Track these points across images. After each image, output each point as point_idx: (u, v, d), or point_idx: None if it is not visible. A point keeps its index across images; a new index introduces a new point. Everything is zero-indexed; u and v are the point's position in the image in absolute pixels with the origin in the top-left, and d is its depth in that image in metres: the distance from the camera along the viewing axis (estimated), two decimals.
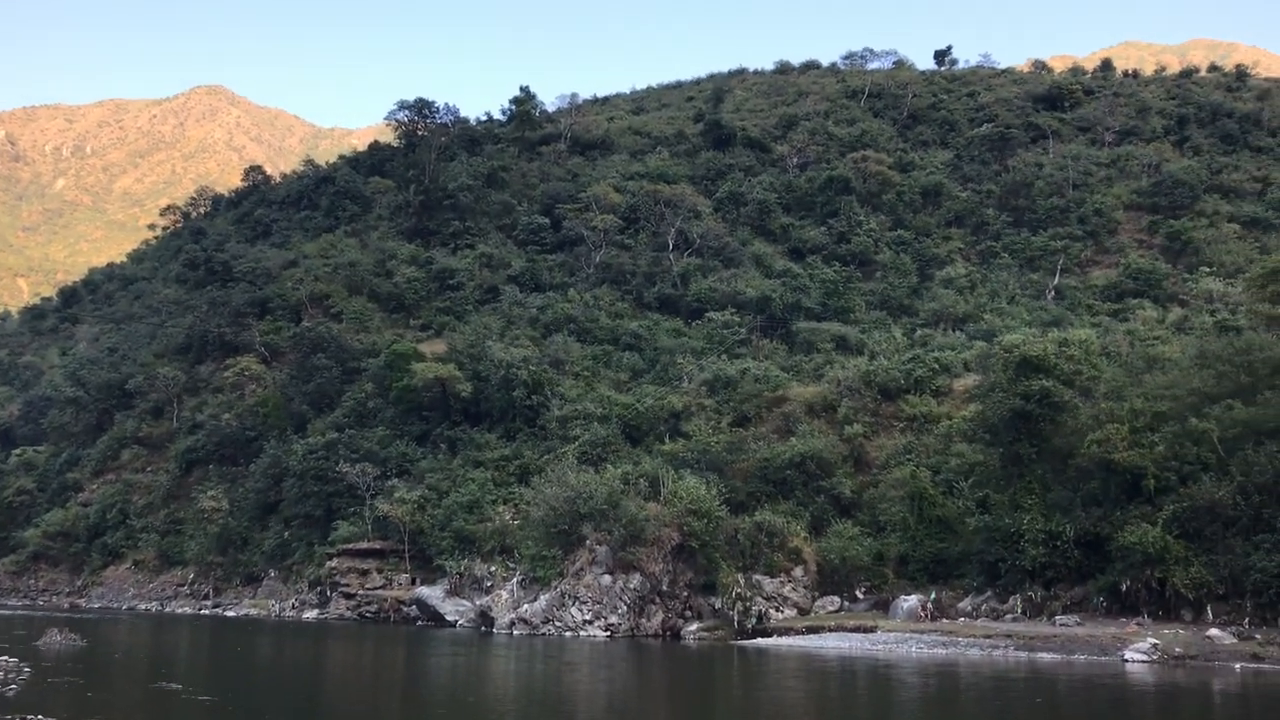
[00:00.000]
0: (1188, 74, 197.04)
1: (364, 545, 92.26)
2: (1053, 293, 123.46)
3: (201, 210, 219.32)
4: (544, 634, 66.71)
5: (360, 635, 68.24)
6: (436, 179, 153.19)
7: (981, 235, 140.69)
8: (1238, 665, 46.15)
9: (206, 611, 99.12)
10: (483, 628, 73.00)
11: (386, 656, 52.90)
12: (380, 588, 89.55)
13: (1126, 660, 47.32)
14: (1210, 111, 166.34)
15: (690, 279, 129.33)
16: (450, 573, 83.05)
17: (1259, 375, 58.82)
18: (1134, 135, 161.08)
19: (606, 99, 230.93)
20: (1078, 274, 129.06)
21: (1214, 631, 50.79)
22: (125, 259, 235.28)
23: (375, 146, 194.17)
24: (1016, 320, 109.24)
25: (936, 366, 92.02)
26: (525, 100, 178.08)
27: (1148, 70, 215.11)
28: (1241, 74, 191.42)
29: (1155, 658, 47.53)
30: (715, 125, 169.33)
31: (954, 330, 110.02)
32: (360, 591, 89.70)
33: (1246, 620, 52.17)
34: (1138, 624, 53.85)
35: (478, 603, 76.91)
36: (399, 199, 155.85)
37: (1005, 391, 64.67)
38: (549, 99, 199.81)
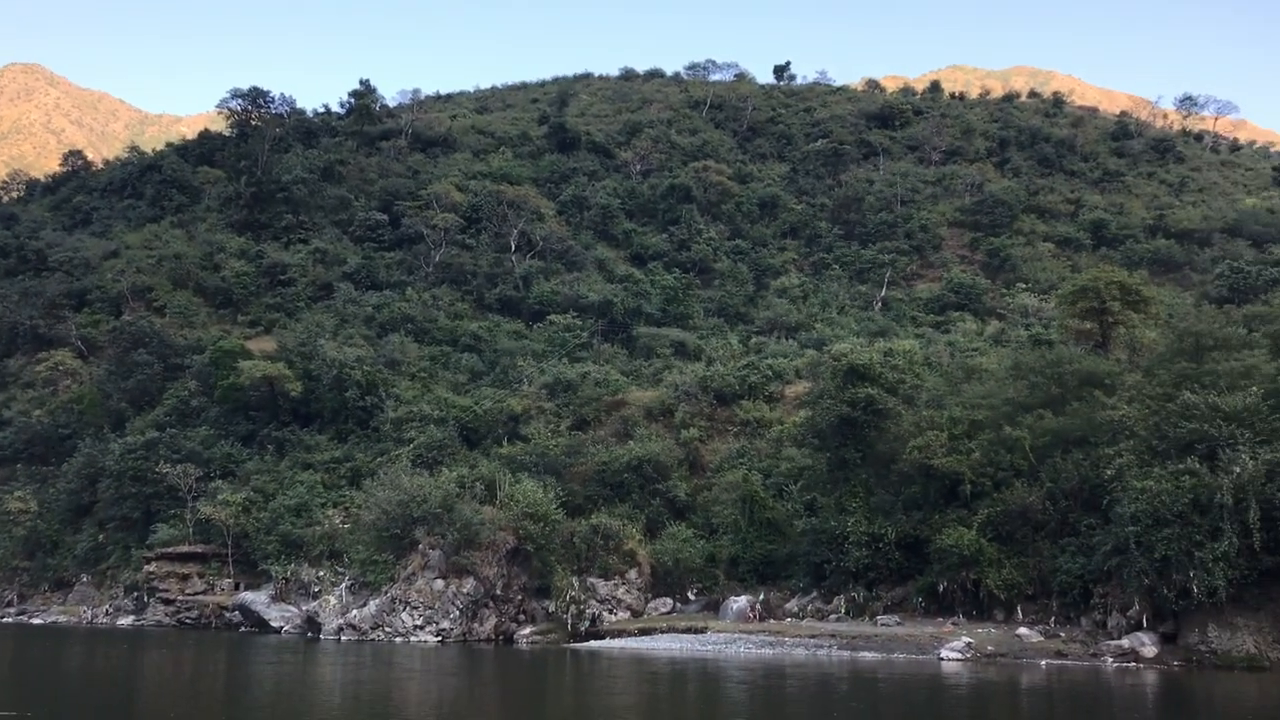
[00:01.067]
0: (1010, 99, 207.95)
1: (185, 549, 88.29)
2: (880, 304, 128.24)
3: (14, 195, 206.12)
4: (373, 640, 65.35)
5: (180, 642, 65.42)
6: (270, 171, 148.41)
7: (814, 247, 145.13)
8: (1043, 662, 48.92)
9: (10, 619, 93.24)
10: (309, 634, 70.98)
11: (207, 664, 50.87)
12: (201, 593, 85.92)
13: (943, 659, 49.54)
14: (1029, 135, 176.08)
15: (532, 281, 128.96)
16: (276, 577, 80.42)
17: (1068, 386, 62.45)
18: (959, 155, 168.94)
19: (450, 96, 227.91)
20: (904, 286, 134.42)
21: (1023, 630, 53.70)
22: None
23: (205, 135, 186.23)
24: (845, 330, 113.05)
25: (770, 373, 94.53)
26: (365, 94, 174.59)
27: (973, 93, 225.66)
28: (1059, 100, 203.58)
29: (969, 656, 49.92)
30: (560, 128, 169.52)
31: (787, 338, 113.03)
32: (180, 597, 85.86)
33: (1052, 619, 55.34)
34: (953, 623, 56.42)
35: (305, 608, 74.72)
36: (229, 190, 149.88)
37: (833, 398, 66.78)
38: (390, 94, 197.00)
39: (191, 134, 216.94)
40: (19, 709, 30.62)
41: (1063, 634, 53.15)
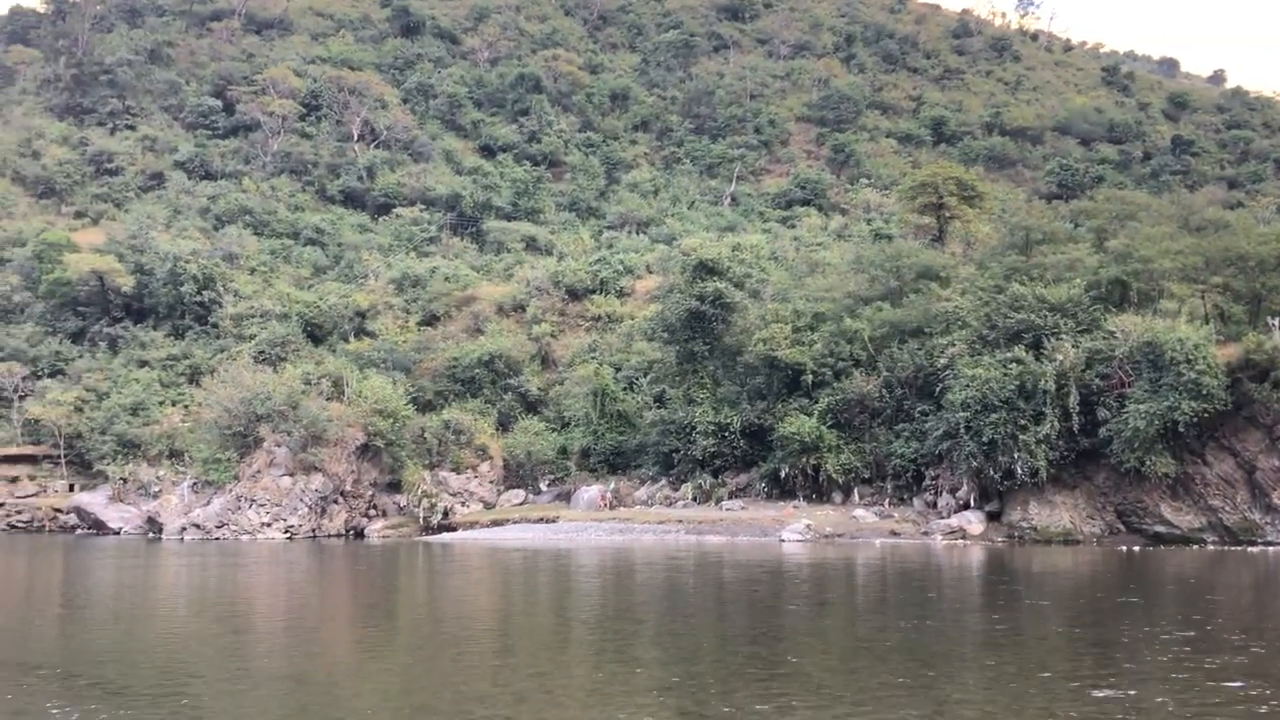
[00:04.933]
0: None
1: (13, 451, 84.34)
2: (729, 199, 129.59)
3: None
4: (219, 538, 64.18)
5: (11, 546, 62.94)
6: (92, 52, 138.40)
7: (666, 141, 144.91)
8: (878, 541, 51.65)
9: None
10: (151, 535, 69.19)
11: (42, 568, 49.23)
12: (33, 495, 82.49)
13: (784, 540, 51.75)
14: (875, 31, 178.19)
15: (377, 172, 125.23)
16: (113, 478, 77.73)
17: (906, 279, 64.87)
18: (807, 50, 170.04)
19: None
20: (752, 182, 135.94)
21: (859, 512, 56.45)
22: None
23: (18, 11, 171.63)
24: (696, 225, 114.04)
25: (621, 268, 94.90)
26: None
27: None
28: None
29: (808, 537, 52.28)
30: (403, 11, 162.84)
31: (638, 233, 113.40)
32: (10, 500, 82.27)
33: (887, 501, 58.30)
34: (795, 507, 58.83)
35: (145, 509, 72.63)
36: (47, 72, 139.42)
37: (683, 293, 67.72)
38: None
39: (2, 10, 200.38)
40: None
41: (896, 514, 56.14)
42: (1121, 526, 51.78)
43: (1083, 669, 19.22)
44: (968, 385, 51.97)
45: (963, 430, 51.88)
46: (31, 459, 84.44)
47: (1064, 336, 52.18)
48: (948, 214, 74.27)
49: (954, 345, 56.23)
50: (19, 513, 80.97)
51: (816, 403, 60.46)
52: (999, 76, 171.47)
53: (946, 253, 69.76)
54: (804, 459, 59.19)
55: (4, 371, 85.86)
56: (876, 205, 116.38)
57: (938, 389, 55.64)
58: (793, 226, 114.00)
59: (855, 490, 59.53)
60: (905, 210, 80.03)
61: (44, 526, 78.75)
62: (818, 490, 60.55)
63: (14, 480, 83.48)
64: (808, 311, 65.58)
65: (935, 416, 55.11)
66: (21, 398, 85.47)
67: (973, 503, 54.13)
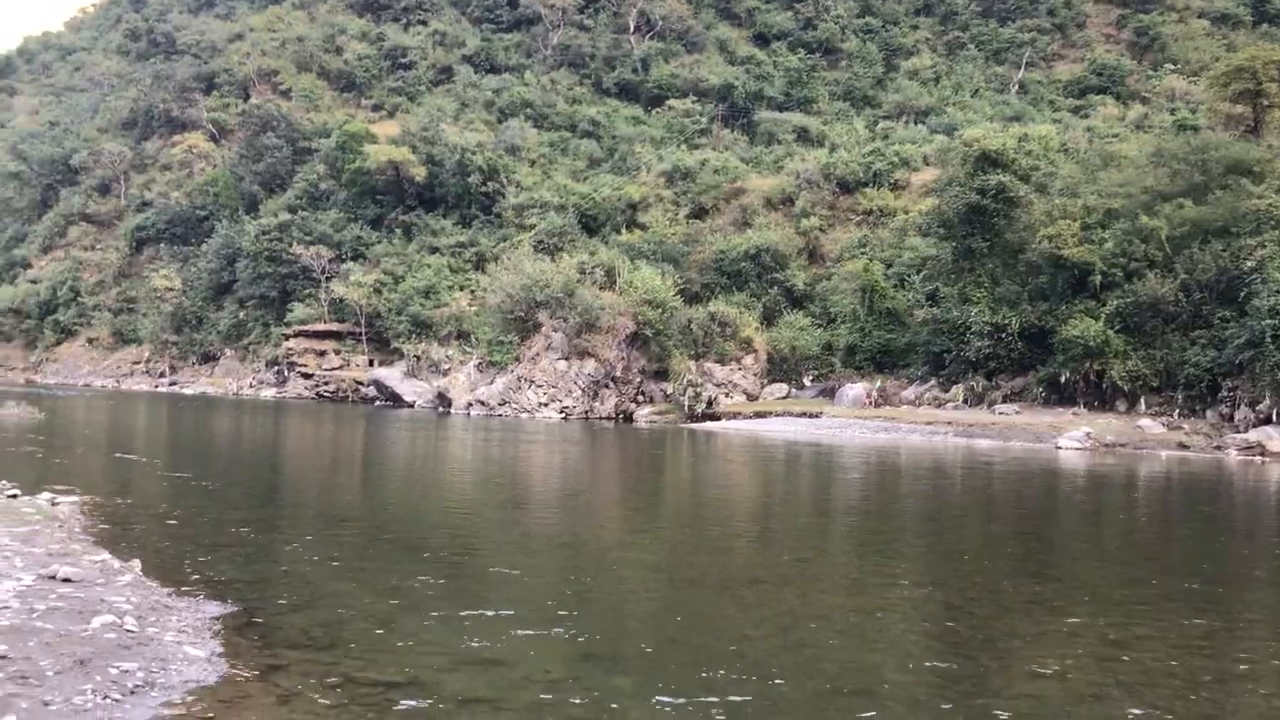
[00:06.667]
0: None
1: (320, 327, 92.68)
2: (1016, 87, 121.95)
3: None
4: (500, 415, 68.33)
5: (319, 413, 69.46)
6: None
7: (949, 25, 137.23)
8: (1164, 453, 48.53)
9: (163, 389, 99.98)
10: (440, 409, 74.47)
11: (346, 431, 54.12)
12: (338, 368, 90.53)
13: (1060, 447, 49.53)
14: None
15: (651, 64, 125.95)
16: (408, 355, 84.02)
17: (1212, 174, 59.26)
18: None
19: None
20: (1043, 68, 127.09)
21: (1145, 421, 53.13)
22: (62, 28, 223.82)
23: None
24: (979, 114, 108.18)
25: (896, 160, 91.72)
26: None
27: None
28: None
29: (1087, 445, 49.79)
30: None
31: (916, 123, 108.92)
32: (318, 371, 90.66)
33: (1176, 412, 54.54)
34: (1074, 414, 56.09)
35: (435, 384, 78.18)
36: None
37: (962, 185, 64.86)
38: None
39: None
40: (179, 464, 33.28)
41: (1186, 426, 52.45)
42: None
43: None
44: (1277, 291, 47.54)
45: (1268, 339, 47.68)
46: (337, 335, 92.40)
47: None
48: (1266, 103, 66.84)
49: (1264, 247, 51.38)
50: (326, 383, 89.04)
51: (1104, 305, 56.94)
52: None
53: (1262, 146, 63.03)
54: (1087, 364, 56.18)
55: (314, 254, 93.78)
56: (1182, 93, 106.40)
57: (1242, 294, 51.19)
58: (1086, 116, 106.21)
59: (1141, 399, 56.05)
60: (1215, 99, 72.65)
61: (347, 397, 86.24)
62: (1100, 398, 57.45)
63: (322, 354, 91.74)
64: (1099, 208, 61.32)
65: (1237, 324, 50.79)
66: (328, 279, 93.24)
67: (1275, 418, 49.82)
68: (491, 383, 72.67)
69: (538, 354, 71.21)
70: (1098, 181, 65.83)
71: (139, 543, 17.01)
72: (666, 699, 9.84)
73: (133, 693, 9.11)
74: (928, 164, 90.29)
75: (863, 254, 78.26)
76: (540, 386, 69.81)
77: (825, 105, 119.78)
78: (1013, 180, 63.66)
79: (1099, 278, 57.44)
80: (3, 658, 9.47)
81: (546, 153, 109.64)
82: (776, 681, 10.50)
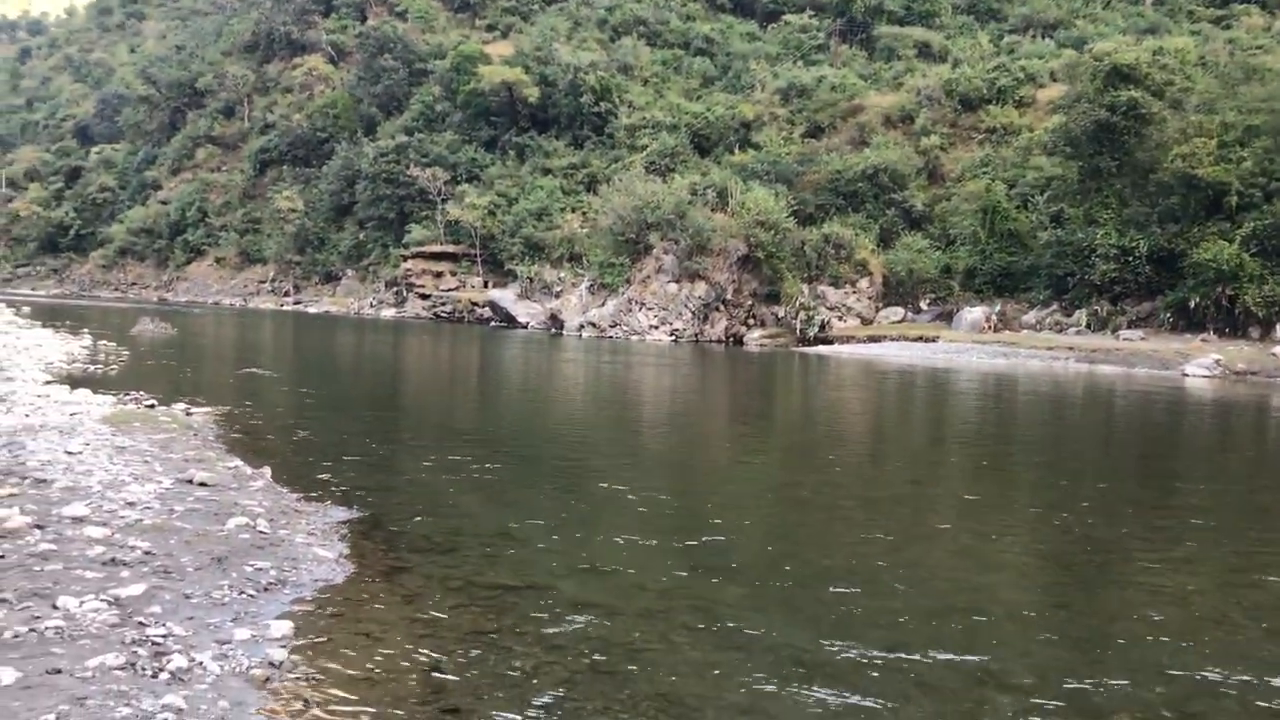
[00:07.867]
0: None
1: (437, 249, 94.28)
2: None
3: None
4: (611, 337, 68.89)
5: (437, 333, 71.03)
6: None
7: None
8: None
9: (288, 307, 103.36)
10: (553, 330, 75.42)
11: (463, 351, 55.30)
12: (454, 289, 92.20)
13: (1187, 374, 47.83)
14: None
15: None
16: (521, 277, 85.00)
17: None
18: None
19: None
20: None
21: None
22: None
23: None
24: (1111, 27, 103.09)
25: (1022, 76, 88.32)
26: None
27: None
28: None
29: (1216, 373, 47.94)
30: None
31: (1043, 37, 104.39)
32: (435, 292, 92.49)
33: None
34: (1203, 340, 54.05)
35: (548, 306, 79.11)
36: None
37: (1091, 102, 62.30)
38: None
39: None
40: (305, 379, 34.53)
41: None
42: None
43: None
44: None
45: None
46: (453, 256, 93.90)
47: None
48: None
49: None
50: (443, 304, 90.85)
51: (1239, 227, 54.41)
52: None
53: None
54: (1219, 289, 53.95)
55: (430, 176, 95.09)
56: None
57: None
58: (1228, 27, 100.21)
59: (1277, 326, 53.65)
60: None
61: (463, 317, 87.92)
62: (1232, 324, 55.18)
63: (438, 275, 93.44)
64: (1239, 124, 58.23)
65: None
66: (444, 201, 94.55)
67: None
68: (603, 305, 73.18)
69: (649, 276, 71.31)
70: (1238, 96, 62.43)
71: (268, 451, 17.78)
72: (776, 610, 9.97)
73: (266, 589, 9.62)
74: (1055, 80, 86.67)
75: (985, 174, 75.99)
76: (651, 309, 70.04)
77: (948, 19, 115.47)
78: (1145, 96, 60.85)
79: (1235, 198, 54.84)
80: (148, 553, 10.08)
81: (659, 71, 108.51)
82: (887, 598, 10.55)
